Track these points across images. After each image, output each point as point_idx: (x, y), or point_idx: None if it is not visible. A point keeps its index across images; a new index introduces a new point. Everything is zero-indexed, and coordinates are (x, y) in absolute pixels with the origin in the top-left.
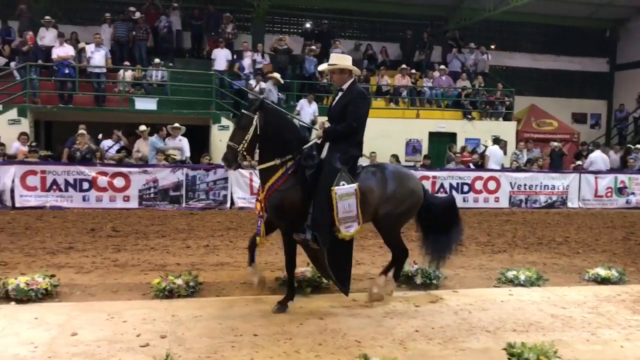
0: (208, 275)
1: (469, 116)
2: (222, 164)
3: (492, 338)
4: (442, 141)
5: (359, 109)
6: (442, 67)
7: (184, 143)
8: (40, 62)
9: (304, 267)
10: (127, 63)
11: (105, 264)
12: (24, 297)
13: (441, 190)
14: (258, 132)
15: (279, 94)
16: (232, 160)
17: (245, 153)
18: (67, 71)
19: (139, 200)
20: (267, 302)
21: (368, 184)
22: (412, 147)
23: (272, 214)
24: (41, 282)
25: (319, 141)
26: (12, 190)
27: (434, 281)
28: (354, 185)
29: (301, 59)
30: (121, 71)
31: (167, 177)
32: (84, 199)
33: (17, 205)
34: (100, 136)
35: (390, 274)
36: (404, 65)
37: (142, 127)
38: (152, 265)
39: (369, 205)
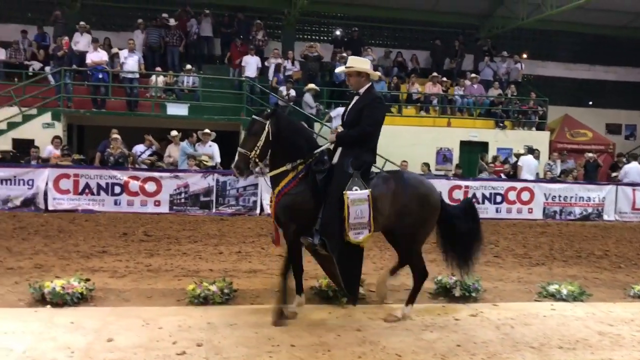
0: (241, 282)
1: (501, 125)
2: (234, 171)
3: (537, 355)
4: (473, 150)
5: (375, 114)
6: (474, 75)
7: (214, 149)
8: (74, 66)
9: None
10: (158, 69)
11: (139, 269)
12: (59, 300)
13: (473, 200)
14: (270, 139)
15: (317, 104)
16: (243, 167)
17: (257, 160)
18: (100, 76)
19: (170, 205)
20: (302, 311)
21: (381, 191)
22: (443, 156)
23: (280, 216)
24: (77, 286)
25: (331, 146)
26: (45, 193)
27: (473, 294)
28: (367, 191)
29: (331, 66)
30: (153, 77)
31: (198, 182)
32: (115, 203)
33: (50, 208)
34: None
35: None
36: (435, 73)
37: (174, 133)
38: (185, 270)
39: (381, 214)
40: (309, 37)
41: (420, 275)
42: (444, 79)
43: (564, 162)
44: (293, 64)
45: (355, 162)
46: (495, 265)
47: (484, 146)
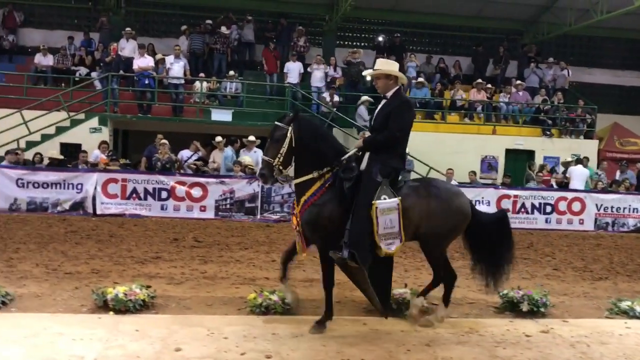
0: (299, 291)
1: (548, 133)
2: (259, 180)
3: None
4: (519, 159)
5: (403, 118)
6: (519, 82)
7: (259, 155)
8: (121, 72)
9: (403, 289)
10: (202, 75)
11: (195, 276)
12: (122, 307)
13: (522, 210)
14: (293, 145)
15: (371, 116)
16: (268, 175)
17: (281, 167)
18: (147, 82)
19: (215, 211)
20: (366, 323)
21: (410, 199)
22: (488, 164)
23: (307, 230)
24: (139, 293)
25: (358, 152)
26: (93, 198)
27: (542, 309)
28: (396, 200)
29: None
30: (197, 82)
31: (243, 188)
32: (162, 208)
33: (98, 212)
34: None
35: (432, 296)
36: (479, 80)
37: (219, 138)
38: (242, 278)
39: (411, 222)
40: (349, 43)
41: (448, 278)
42: (489, 85)
43: (623, 172)
44: (335, 70)
45: (383, 169)
46: (557, 279)
47: (529, 154)
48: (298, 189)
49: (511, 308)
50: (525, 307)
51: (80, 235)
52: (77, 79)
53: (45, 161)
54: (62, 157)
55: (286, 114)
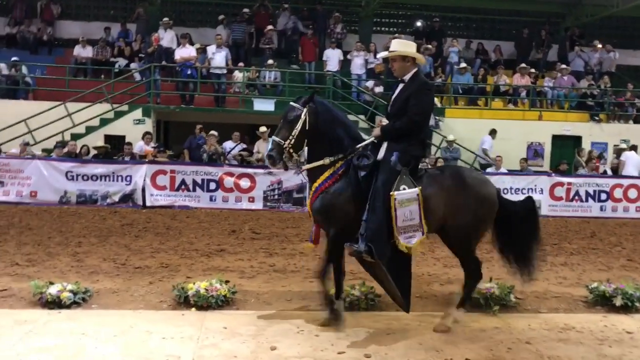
0: (373, 285)
1: (596, 118)
2: (267, 161)
3: None
4: (565, 145)
5: (422, 102)
6: (564, 66)
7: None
8: (164, 62)
9: (490, 284)
10: (241, 64)
11: (265, 269)
12: (204, 303)
13: (576, 198)
14: (307, 128)
15: (438, 117)
16: (277, 157)
17: (291, 150)
18: (189, 72)
19: (263, 202)
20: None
21: (432, 189)
22: (534, 151)
23: (318, 218)
24: (220, 289)
25: (375, 140)
26: (142, 190)
27: (637, 303)
28: (416, 190)
29: None
30: (236, 72)
31: (291, 178)
32: (210, 199)
33: (147, 204)
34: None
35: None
36: (523, 65)
37: (263, 129)
38: (313, 272)
39: (434, 214)
40: (386, 29)
41: (474, 276)
42: (532, 70)
43: None
44: (375, 56)
45: (403, 158)
46: (635, 270)
47: (577, 140)
48: (310, 175)
49: (602, 302)
50: (618, 302)
51: (137, 228)
52: (116, 70)
53: (92, 153)
54: (108, 145)
55: (302, 95)
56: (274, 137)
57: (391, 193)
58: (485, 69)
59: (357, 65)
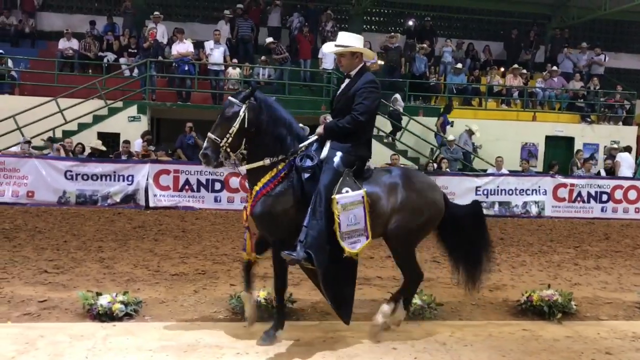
0: (442, 292)
1: (588, 119)
2: (201, 160)
3: None
4: (558, 145)
5: (368, 101)
6: (554, 67)
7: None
8: (160, 58)
9: (550, 291)
10: (235, 60)
11: (305, 276)
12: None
13: (578, 199)
14: (245, 125)
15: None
16: (212, 156)
17: (228, 149)
18: (186, 68)
19: None
20: (526, 329)
21: (377, 191)
22: (528, 152)
23: (258, 224)
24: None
25: (318, 138)
26: (145, 190)
27: None
28: (361, 192)
29: (407, 58)
30: (229, 69)
31: None
32: (215, 200)
33: (150, 204)
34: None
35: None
36: (515, 65)
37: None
38: (359, 279)
39: (379, 217)
40: (376, 28)
41: (413, 278)
42: (524, 70)
43: None
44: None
45: (346, 158)
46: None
47: (569, 141)
48: (250, 177)
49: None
50: None
51: (153, 231)
52: (105, 65)
53: (87, 151)
54: (104, 148)
55: (242, 90)
56: (209, 135)
57: (332, 196)
58: (482, 69)
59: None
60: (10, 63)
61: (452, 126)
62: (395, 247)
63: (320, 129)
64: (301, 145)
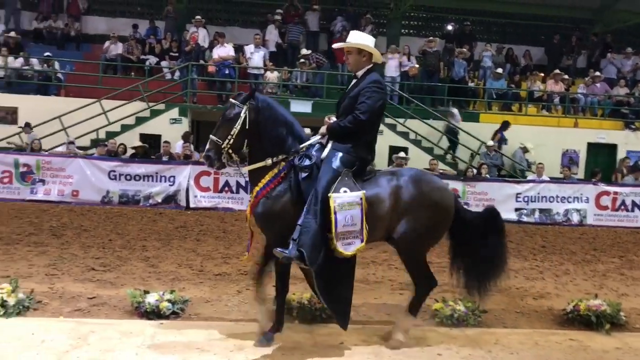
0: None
1: (632, 126)
2: (204, 162)
3: None
4: (600, 153)
5: (371, 100)
6: (597, 73)
7: None
8: (201, 61)
9: (598, 300)
10: (271, 64)
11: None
12: (308, 316)
13: (622, 207)
14: (247, 127)
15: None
16: (215, 158)
17: (230, 150)
18: (227, 72)
19: None
20: (573, 338)
21: (378, 193)
22: (569, 159)
23: (259, 224)
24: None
25: (323, 140)
26: (186, 191)
27: None
28: (359, 194)
29: (446, 63)
30: (267, 72)
31: None
32: None
33: (191, 205)
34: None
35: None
36: (557, 71)
37: (307, 130)
38: (396, 283)
39: (380, 220)
40: (415, 32)
41: (424, 286)
42: (565, 76)
43: None
44: (409, 59)
45: (346, 158)
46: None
47: (612, 149)
48: (252, 177)
49: None
50: None
51: (194, 231)
52: (147, 68)
53: (129, 152)
54: (146, 145)
55: (242, 92)
56: (211, 136)
57: (329, 195)
58: (522, 75)
59: (392, 67)
60: (57, 65)
61: (506, 144)
62: (403, 253)
63: (323, 129)
64: (302, 145)
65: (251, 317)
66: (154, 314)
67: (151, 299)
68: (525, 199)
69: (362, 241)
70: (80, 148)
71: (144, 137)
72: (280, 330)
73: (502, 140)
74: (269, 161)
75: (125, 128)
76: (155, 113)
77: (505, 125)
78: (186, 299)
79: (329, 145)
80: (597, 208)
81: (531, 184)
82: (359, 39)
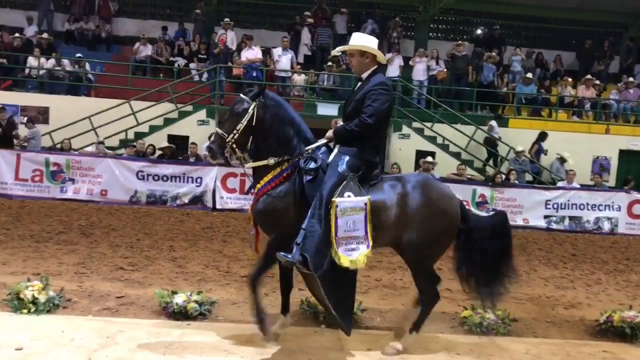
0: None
1: None
2: (206, 153)
3: None
4: (632, 160)
5: (377, 103)
6: (631, 79)
7: None
8: (229, 64)
9: (632, 312)
10: (299, 67)
11: (373, 284)
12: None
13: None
14: (253, 123)
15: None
16: (217, 151)
17: (234, 145)
18: (254, 74)
19: None
20: (607, 350)
21: (383, 199)
22: (600, 166)
23: (258, 222)
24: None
25: (331, 144)
26: (213, 192)
27: None
28: (364, 199)
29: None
30: (295, 75)
31: None
32: None
33: (217, 207)
34: None
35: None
36: (588, 76)
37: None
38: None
39: (386, 227)
40: (443, 35)
41: (429, 298)
42: (597, 81)
43: None
44: (438, 63)
45: (352, 162)
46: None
47: None
48: (255, 175)
49: None
50: None
51: (221, 233)
52: (175, 69)
53: (157, 153)
54: (173, 145)
55: (253, 88)
56: (217, 129)
57: (333, 199)
58: (553, 80)
59: (419, 71)
60: (87, 66)
61: (545, 154)
62: (409, 261)
63: (329, 133)
64: (308, 147)
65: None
66: (181, 314)
67: (179, 299)
68: (555, 206)
69: (367, 247)
70: (109, 148)
71: (171, 138)
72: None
73: (540, 151)
74: (271, 160)
75: (154, 129)
76: (183, 114)
77: (542, 135)
78: (213, 301)
79: (336, 149)
80: (629, 217)
81: (561, 191)
82: (361, 41)
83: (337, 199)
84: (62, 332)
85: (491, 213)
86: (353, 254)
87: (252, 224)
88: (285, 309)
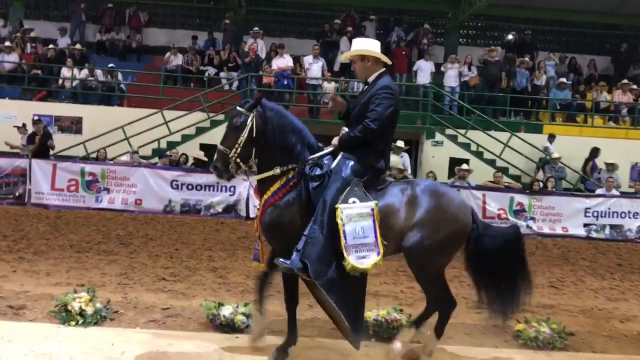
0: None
1: None
2: (212, 172)
3: None
4: None
5: (381, 108)
6: None
7: (405, 159)
8: (260, 72)
9: None
10: (329, 74)
11: (417, 295)
12: (385, 334)
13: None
14: (254, 135)
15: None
16: (222, 168)
17: (238, 160)
18: (285, 82)
19: None
20: None
21: (391, 204)
22: (638, 172)
23: (266, 233)
24: (399, 318)
25: (334, 150)
26: (246, 200)
27: None
28: (370, 204)
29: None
30: (325, 83)
31: None
32: None
33: (250, 215)
34: None
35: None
36: (625, 81)
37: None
38: (469, 300)
39: (393, 232)
40: (472, 41)
41: (444, 304)
42: (634, 86)
43: None
44: (470, 69)
45: (356, 167)
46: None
47: None
48: (260, 187)
49: None
50: None
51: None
52: (206, 79)
53: (190, 162)
54: (206, 158)
55: (249, 99)
56: (219, 146)
57: (337, 205)
58: (588, 85)
59: (451, 77)
60: (119, 76)
61: (599, 173)
62: (414, 267)
63: (335, 141)
64: (314, 155)
65: (325, 333)
66: (228, 327)
67: (226, 311)
68: (595, 214)
69: (378, 254)
70: (142, 157)
71: (204, 147)
72: (295, 344)
73: (595, 169)
74: (277, 170)
75: (186, 138)
76: (215, 123)
77: (594, 151)
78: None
79: (340, 154)
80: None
81: (601, 199)
82: (360, 45)
83: (341, 205)
84: (112, 345)
85: (506, 225)
86: (365, 262)
87: (257, 236)
88: (292, 332)
